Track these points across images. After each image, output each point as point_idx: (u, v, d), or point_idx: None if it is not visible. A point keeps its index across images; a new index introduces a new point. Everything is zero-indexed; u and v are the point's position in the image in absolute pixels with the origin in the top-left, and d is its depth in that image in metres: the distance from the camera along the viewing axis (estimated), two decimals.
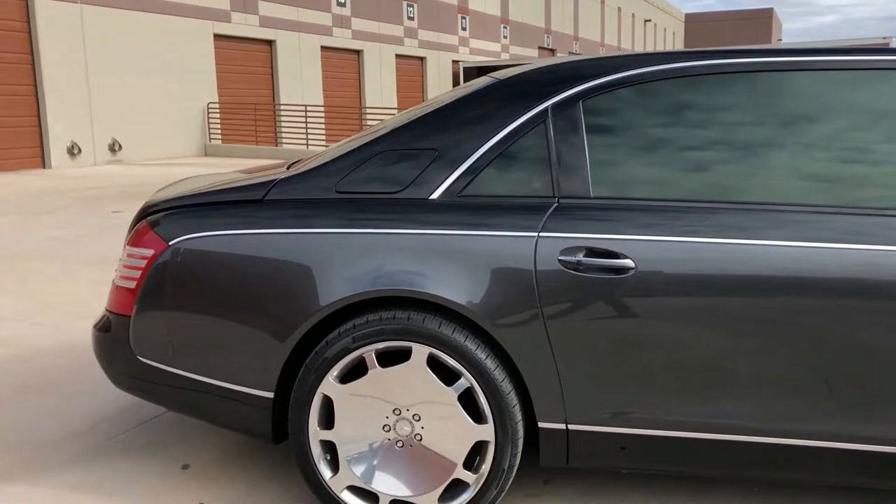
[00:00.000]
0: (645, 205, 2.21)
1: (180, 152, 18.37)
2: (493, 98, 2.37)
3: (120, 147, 16.69)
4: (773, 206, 2.15)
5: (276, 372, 2.35)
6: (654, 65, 2.31)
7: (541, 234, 2.20)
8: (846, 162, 2.15)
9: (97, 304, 4.94)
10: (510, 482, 2.30)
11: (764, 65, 2.25)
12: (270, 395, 2.38)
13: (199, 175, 3.16)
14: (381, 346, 2.26)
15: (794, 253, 2.08)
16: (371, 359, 2.27)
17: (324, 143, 20.33)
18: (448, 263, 2.22)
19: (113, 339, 2.55)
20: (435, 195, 2.32)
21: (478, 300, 2.20)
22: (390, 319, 2.24)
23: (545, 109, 2.31)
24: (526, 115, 2.32)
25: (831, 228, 2.09)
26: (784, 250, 2.09)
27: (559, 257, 2.18)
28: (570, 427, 2.26)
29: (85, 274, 5.79)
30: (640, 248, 2.15)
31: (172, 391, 2.51)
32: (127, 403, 3.36)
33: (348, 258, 2.28)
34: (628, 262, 2.15)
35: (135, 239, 2.51)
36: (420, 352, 2.24)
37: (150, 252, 2.45)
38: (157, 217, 2.52)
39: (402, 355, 2.28)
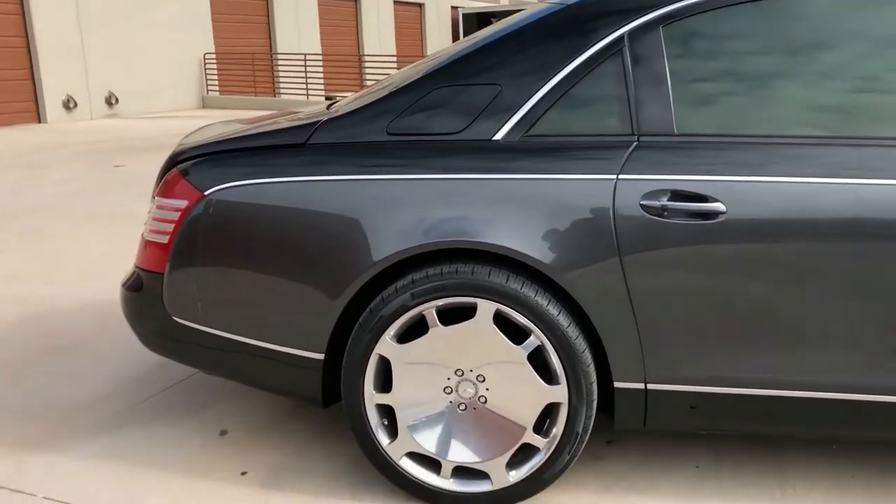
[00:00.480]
0: (737, 141, 2.00)
1: (178, 105, 17.99)
2: (561, 25, 2.14)
3: (117, 100, 16.32)
4: (890, 142, 1.94)
5: (327, 332, 2.16)
6: None
7: (620, 176, 1.99)
8: None
9: (110, 261, 4.74)
10: (583, 446, 2.13)
11: None
12: (321, 356, 2.19)
13: (225, 121, 2.93)
14: (442, 302, 2.06)
15: None
16: (432, 316, 2.08)
17: (323, 92, 19.93)
18: (516, 211, 2.02)
19: (144, 297, 2.35)
20: (499, 136, 2.10)
21: (549, 251, 2.00)
22: (452, 274, 2.04)
23: (621, 37, 2.08)
24: (600, 44, 2.09)
25: None
26: None
27: (641, 202, 1.97)
28: (650, 387, 2.08)
29: (94, 229, 5.58)
30: (731, 190, 1.94)
31: (210, 353, 2.32)
32: (153, 365, 3.18)
33: (405, 207, 2.07)
34: (718, 206, 1.94)
35: (165, 189, 2.30)
36: (486, 308, 2.04)
37: (183, 203, 2.24)
38: (189, 165, 2.30)
39: (466, 312, 2.08)
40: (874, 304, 1.91)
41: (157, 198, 2.33)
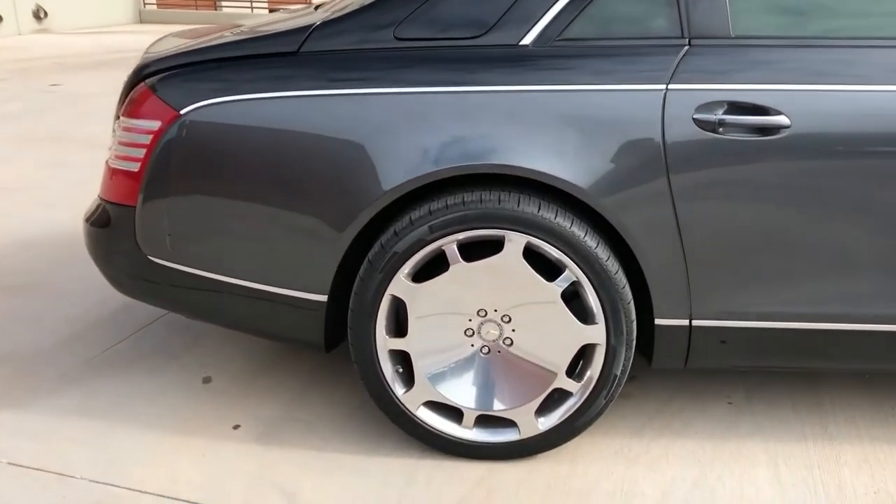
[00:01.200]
0: (804, 44, 1.75)
1: (113, 20, 16.92)
2: None
3: (45, 14, 15.24)
4: None
5: (331, 271, 1.89)
6: None
7: (670, 86, 1.74)
8: None
9: (60, 189, 4.34)
10: (620, 389, 1.93)
11: None
12: (323, 298, 1.93)
13: (196, 28, 2.56)
14: (464, 236, 1.81)
15: None
16: (453, 252, 1.83)
17: (267, 6, 18.96)
18: (548, 129, 1.76)
19: (113, 234, 2.04)
20: (527, 40, 1.82)
21: (587, 174, 1.75)
22: (476, 203, 1.79)
23: None
24: None
25: None
26: None
27: (694, 116, 1.73)
28: (695, 323, 1.88)
29: (39, 155, 5.12)
30: (796, 100, 1.70)
31: (193, 296, 2.05)
32: (118, 306, 2.88)
33: (419, 126, 1.79)
34: (782, 119, 1.71)
35: (133, 108, 1.96)
36: (515, 241, 1.80)
37: (155, 125, 1.91)
38: (159, 80, 1.96)
39: (491, 246, 1.83)
40: None
41: (122, 118, 1.99)
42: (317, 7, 2.29)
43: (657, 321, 1.88)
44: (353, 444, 2.07)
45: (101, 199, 2.09)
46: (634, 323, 1.86)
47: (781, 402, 2.22)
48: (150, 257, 2.01)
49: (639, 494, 1.86)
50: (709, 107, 1.72)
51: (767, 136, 1.72)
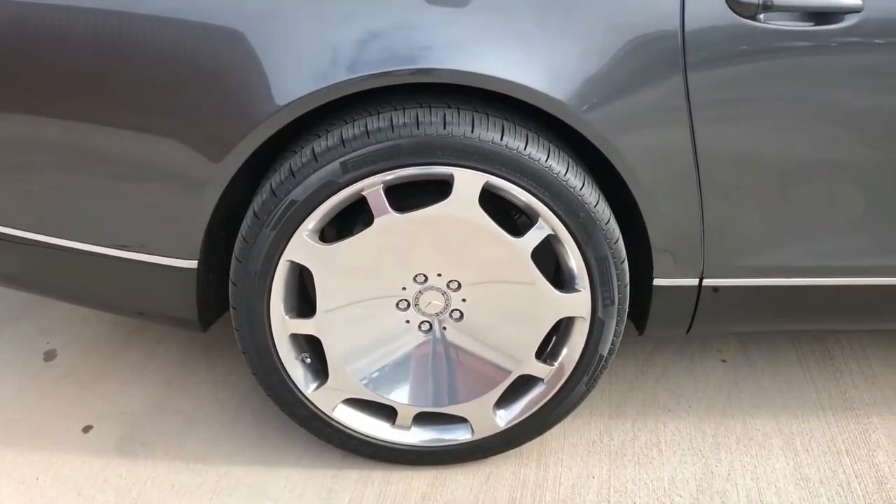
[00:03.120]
0: None
1: None
2: None
3: None
4: None
5: (201, 228, 1.30)
6: None
7: None
8: None
9: None
10: (604, 374, 1.45)
11: None
12: (192, 264, 1.35)
13: None
14: (393, 175, 1.24)
15: None
16: (378, 198, 1.26)
17: None
18: (510, 19, 1.18)
19: None
20: None
21: (569, 83, 1.20)
22: (410, 127, 1.21)
23: None
24: None
25: None
26: None
27: None
28: (706, 282, 1.39)
29: None
30: None
31: (18, 264, 1.43)
32: None
33: (322, 12, 1.18)
34: (848, 2, 1.18)
35: None
36: (467, 182, 1.24)
37: None
38: None
39: (429, 188, 1.27)
40: None
41: None
42: None
43: (657, 281, 1.39)
44: (248, 451, 1.54)
45: None
46: (628, 288, 1.36)
47: (785, 356, 1.80)
48: None
49: None
50: None
51: (829, 24, 1.19)
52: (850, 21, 1.19)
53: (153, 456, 1.52)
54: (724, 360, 1.79)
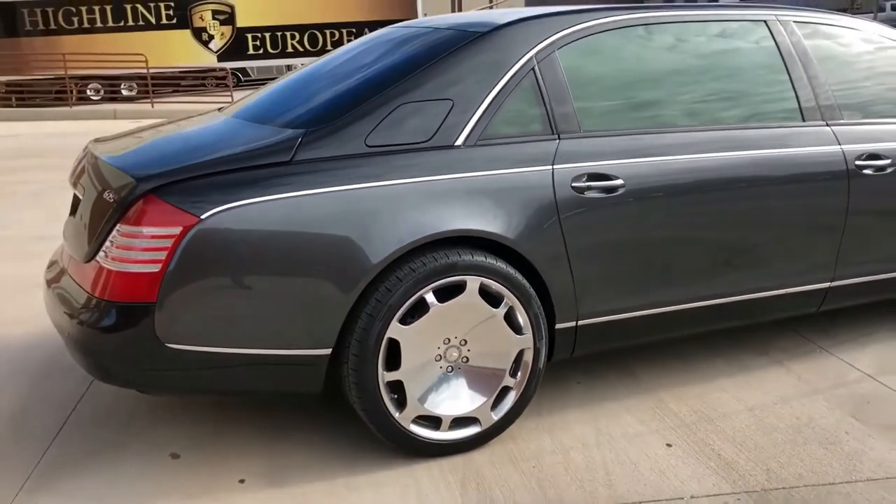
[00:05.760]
0: (625, 133, 2.76)
1: None
2: (487, 50, 2.66)
3: None
4: (718, 128, 2.91)
5: (336, 329, 2.41)
6: (599, 17, 2.83)
7: (554, 166, 2.62)
8: (750, 94, 2.98)
9: None
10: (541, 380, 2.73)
11: (687, 17, 2.94)
12: (327, 351, 2.43)
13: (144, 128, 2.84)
14: (436, 284, 2.47)
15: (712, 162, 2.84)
16: (431, 297, 2.47)
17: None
18: (485, 201, 2.52)
19: (127, 330, 2.29)
20: (459, 141, 2.56)
21: (512, 230, 2.55)
22: (444, 258, 2.46)
23: (531, 58, 2.68)
24: (518, 64, 2.66)
25: (745, 139, 2.89)
26: (709, 160, 2.83)
27: (571, 184, 2.63)
28: (580, 323, 2.75)
29: None
30: (626, 169, 2.70)
31: (209, 373, 2.38)
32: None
33: (399, 208, 2.42)
34: (619, 182, 2.68)
35: (145, 217, 2.27)
36: (474, 283, 2.51)
37: (176, 230, 2.26)
38: (165, 189, 2.30)
39: (453, 290, 2.51)
40: (723, 239, 2.85)
41: (130, 227, 2.28)
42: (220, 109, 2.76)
43: (557, 325, 2.72)
44: (372, 460, 2.55)
45: (104, 300, 2.31)
46: (545, 330, 2.67)
47: (615, 369, 3.19)
48: (169, 345, 2.31)
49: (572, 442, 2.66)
50: (578, 178, 2.63)
51: (612, 193, 2.68)
52: (621, 191, 2.69)
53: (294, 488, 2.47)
54: (578, 383, 3.13)
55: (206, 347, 2.35)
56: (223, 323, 2.35)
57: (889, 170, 3.12)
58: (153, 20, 19.69)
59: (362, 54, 3.00)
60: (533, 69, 2.68)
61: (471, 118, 2.59)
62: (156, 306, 2.28)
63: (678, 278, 2.85)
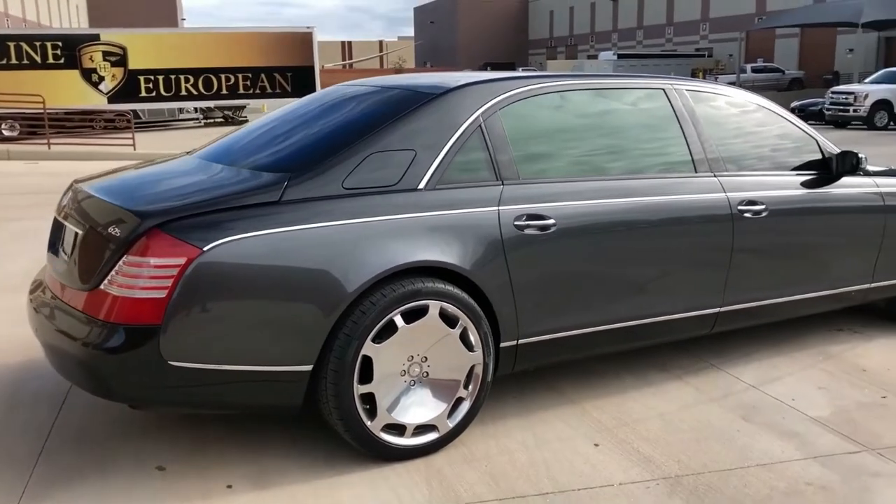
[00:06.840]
0: (557, 181, 3.26)
1: None
2: (443, 108, 3.12)
3: None
4: (629, 178, 3.45)
5: (318, 347, 2.76)
6: (532, 84, 3.34)
7: (500, 208, 3.09)
8: (659, 151, 3.57)
9: None
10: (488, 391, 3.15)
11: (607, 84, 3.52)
12: (309, 367, 2.77)
13: (125, 167, 3.08)
14: (403, 308, 2.87)
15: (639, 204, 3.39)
16: (399, 319, 2.86)
17: None
18: (444, 237, 2.96)
19: (133, 351, 2.57)
20: (422, 185, 2.99)
21: (466, 261, 2.98)
22: (411, 285, 2.87)
23: (478, 116, 3.16)
24: (468, 121, 3.13)
25: (650, 187, 3.45)
26: (637, 202, 3.38)
27: (514, 223, 3.10)
28: (521, 341, 3.20)
29: None
30: (557, 210, 3.19)
31: (208, 389, 2.68)
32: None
33: (372, 242, 2.82)
34: (551, 221, 3.18)
35: (151, 249, 2.57)
36: (435, 306, 2.92)
37: (181, 260, 2.57)
38: (168, 224, 2.61)
39: (418, 313, 2.91)
40: (632, 270, 3.39)
41: (139, 257, 2.57)
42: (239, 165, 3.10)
43: (502, 344, 3.16)
44: (346, 464, 2.88)
45: (112, 323, 2.58)
46: (492, 347, 3.11)
47: (557, 383, 3.64)
48: (173, 363, 2.59)
49: (512, 445, 3.08)
50: (520, 217, 3.11)
51: (546, 231, 3.17)
52: (553, 229, 3.18)
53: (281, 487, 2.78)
54: (514, 397, 3.57)
55: (204, 364, 2.65)
56: (220, 341, 2.65)
57: (764, 213, 3.76)
58: (39, 59, 19.30)
59: (327, 108, 3.40)
60: (480, 126, 3.16)
61: (430, 165, 3.02)
62: (161, 328, 2.57)
63: (598, 303, 3.35)
